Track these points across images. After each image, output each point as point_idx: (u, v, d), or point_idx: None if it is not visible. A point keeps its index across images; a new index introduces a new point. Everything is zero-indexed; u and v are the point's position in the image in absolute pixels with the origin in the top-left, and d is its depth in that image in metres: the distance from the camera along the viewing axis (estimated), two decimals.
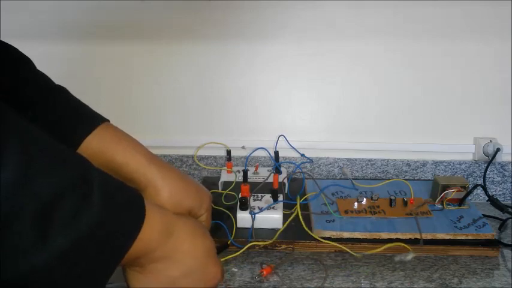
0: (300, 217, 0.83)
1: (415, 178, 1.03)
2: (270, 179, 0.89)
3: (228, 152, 0.99)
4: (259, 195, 0.86)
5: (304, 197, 0.89)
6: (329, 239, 0.79)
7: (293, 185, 0.94)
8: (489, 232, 0.80)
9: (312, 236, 0.79)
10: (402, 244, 0.77)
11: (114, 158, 0.59)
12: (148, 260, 0.50)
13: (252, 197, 0.85)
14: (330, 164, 1.04)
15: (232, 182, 0.94)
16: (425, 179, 1.02)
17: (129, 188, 0.47)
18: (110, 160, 0.59)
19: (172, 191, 0.61)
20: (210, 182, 0.99)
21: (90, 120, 0.61)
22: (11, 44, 0.63)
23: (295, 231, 0.82)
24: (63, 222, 0.38)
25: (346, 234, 0.79)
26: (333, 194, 0.91)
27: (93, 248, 0.41)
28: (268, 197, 0.86)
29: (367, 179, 1.02)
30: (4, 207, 0.35)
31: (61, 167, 0.39)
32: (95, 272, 0.43)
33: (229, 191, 0.92)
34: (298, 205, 0.85)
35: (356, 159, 1.04)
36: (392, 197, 0.87)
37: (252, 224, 0.81)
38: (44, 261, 0.38)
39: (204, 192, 0.66)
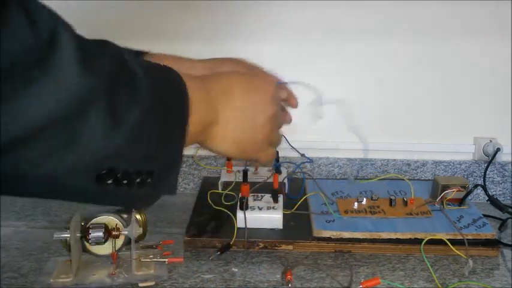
0: None
1: (415, 178, 1.03)
2: (270, 179, 0.89)
3: None
4: (259, 195, 0.86)
5: (304, 197, 0.89)
6: (329, 239, 0.79)
7: (293, 185, 0.94)
8: (489, 232, 0.80)
9: (312, 236, 0.79)
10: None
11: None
12: (212, 124, 0.56)
13: (252, 197, 0.85)
14: (330, 164, 1.04)
15: (232, 182, 0.94)
16: (425, 179, 1.02)
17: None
18: None
19: None
20: (210, 182, 0.99)
21: None
22: None
23: (295, 231, 0.82)
24: (128, 98, 0.42)
25: (346, 234, 0.79)
26: (333, 194, 0.91)
27: (158, 120, 0.46)
28: (268, 197, 0.86)
29: (367, 179, 1.02)
30: (78, 87, 0.38)
31: (101, 54, 0.43)
32: (167, 141, 0.48)
33: (229, 191, 0.92)
34: None
35: (356, 159, 1.04)
36: (392, 197, 0.87)
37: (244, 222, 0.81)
38: (123, 139, 0.42)
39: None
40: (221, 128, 0.57)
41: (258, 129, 0.61)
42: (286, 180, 0.93)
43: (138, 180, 0.46)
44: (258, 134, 0.61)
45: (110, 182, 0.43)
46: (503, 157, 0.99)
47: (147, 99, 0.44)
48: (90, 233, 0.68)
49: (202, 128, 0.55)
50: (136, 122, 0.43)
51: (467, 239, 0.77)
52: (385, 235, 0.79)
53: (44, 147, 0.38)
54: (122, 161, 0.44)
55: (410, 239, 0.79)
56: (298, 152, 1.03)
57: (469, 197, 0.88)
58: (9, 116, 0.35)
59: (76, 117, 0.38)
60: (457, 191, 0.86)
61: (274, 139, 0.65)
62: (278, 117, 0.64)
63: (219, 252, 0.77)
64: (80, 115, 0.38)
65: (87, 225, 0.69)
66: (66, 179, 0.40)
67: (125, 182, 0.44)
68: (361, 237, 0.79)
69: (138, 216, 0.73)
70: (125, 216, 0.72)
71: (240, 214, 0.82)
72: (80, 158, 0.40)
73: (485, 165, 0.98)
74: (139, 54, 0.71)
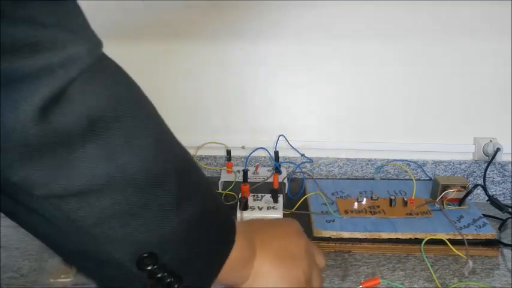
0: None
1: (415, 178, 1.03)
2: (270, 179, 0.89)
3: (228, 152, 0.99)
4: (259, 195, 0.86)
5: (304, 197, 0.89)
6: (329, 239, 0.79)
7: (293, 185, 0.94)
8: (489, 232, 0.80)
9: (312, 236, 0.79)
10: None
11: None
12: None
13: (252, 197, 0.85)
14: (330, 164, 1.04)
15: (232, 182, 0.94)
16: (425, 179, 1.02)
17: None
18: None
19: None
20: (210, 182, 0.99)
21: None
22: None
23: None
24: (194, 188, 0.43)
25: (346, 234, 0.79)
26: (332, 194, 0.91)
27: (212, 225, 0.44)
28: (268, 197, 0.86)
29: (367, 179, 1.02)
30: (154, 165, 0.38)
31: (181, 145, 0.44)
32: (209, 254, 0.44)
33: (229, 191, 0.92)
34: None
35: (356, 159, 1.04)
36: (392, 197, 0.87)
37: None
38: (178, 226, 0.40)
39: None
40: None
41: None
42: (286, 180, 0.93)
43: (167, 280, 0.41)
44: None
45: (149, 268, 0.40)
46: (503, 157, 0.99)
47: (207, 202, 0.44)
48: None
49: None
50: (192, 217, 0.41)
51: (467, 239, 0.77)
52: (385, 235, 0.79)
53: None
54: (167, 250, 0.40)
55: (410, 239, 0.79)
56: (298, 152, 1.03)
57: (469, 197, 0.88)
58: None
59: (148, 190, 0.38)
60: (457, 191, 0.86)
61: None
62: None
63: None
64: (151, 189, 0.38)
65: None
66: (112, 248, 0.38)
67: (158, 275, 0.40)
68: (361, 237, 0.79)
69: None
70: None
71: (240, 214, 0.82)
72: (138, 229, 0.38)
73: (485, 165, 0.98)
74: None
